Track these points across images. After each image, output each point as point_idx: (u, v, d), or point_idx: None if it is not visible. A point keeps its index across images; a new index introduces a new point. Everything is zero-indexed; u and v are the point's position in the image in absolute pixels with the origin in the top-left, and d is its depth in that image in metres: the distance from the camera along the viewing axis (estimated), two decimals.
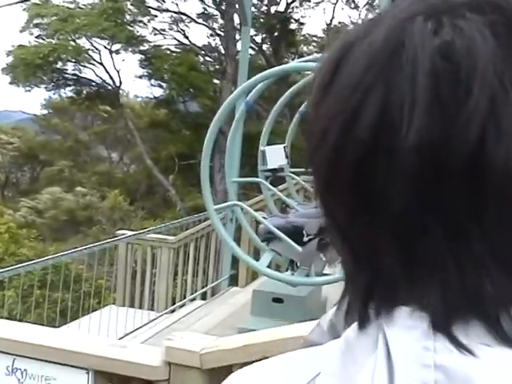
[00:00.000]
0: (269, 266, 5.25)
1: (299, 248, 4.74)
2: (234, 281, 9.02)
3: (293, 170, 6.79)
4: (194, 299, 8.75)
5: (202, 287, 8.96)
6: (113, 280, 9.31)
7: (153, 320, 7.81)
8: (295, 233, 4.81)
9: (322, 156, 0.59)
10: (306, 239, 4.72)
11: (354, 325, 0.60)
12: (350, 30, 0.63)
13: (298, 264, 4.89)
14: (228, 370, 2.22)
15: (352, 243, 0.60)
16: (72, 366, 2.27)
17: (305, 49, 26.92)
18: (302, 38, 26.40)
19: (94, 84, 22.92)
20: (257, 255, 8.21)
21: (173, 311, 8.32)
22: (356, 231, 0.59)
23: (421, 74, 0.55)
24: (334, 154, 0.58)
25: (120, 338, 7.07)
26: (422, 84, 0.54)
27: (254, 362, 2.01)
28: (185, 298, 8.73)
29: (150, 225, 17.88)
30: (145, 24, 22.71)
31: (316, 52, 25.01)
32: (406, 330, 0.56)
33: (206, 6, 23.73)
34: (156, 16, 23.32)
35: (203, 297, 8.96)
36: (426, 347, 0.54)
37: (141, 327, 7.56)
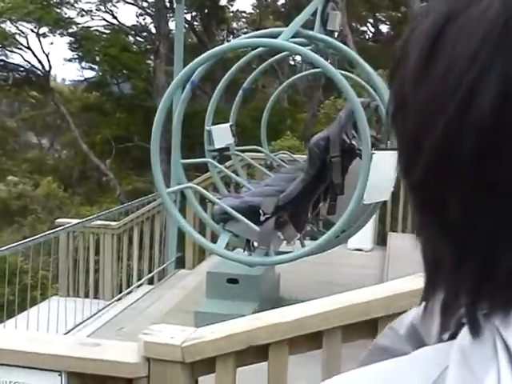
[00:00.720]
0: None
1: (256, 228, 4.67)
2: (180, 263, 8.91)
3: (238, 148, 6.70)
4: (140, 285, 8.59)
5: (149, 272, 8.81)
6: (55, 270, 9.07)
7: (102, 309, 7.65)
8: (251, 212, 4.73)
9: (429, 144, 0.52)
10: (262, 218, 4.66)
11: (465, 330, 0.53)
12: None
13: (256, 244, 4.82)
14: (211, 361, 2.14)
15: (460, 237, 0.53)
16: (43, 370, 2.14)
17: (235, 25, 26.82)
18: (232, 14, 26.26)
19: (22, 69, 22.23)
20: (202, 235, 8.15)
21: (120, 298, 8.16)
22: (471, 223, 0.52)
23: None
24: (447, 141, 0.51)
25: (70, 330, 6.91)
26: None
27: (238, 352, 1.92)
28: (132, 284, 8.57)
29: (88, 211, 17.59)
30: (72, 5, 22.10)
31: (246, 28, 24.97)
32: None
33: None
34: None
35: (150, 282, 8.82)
36: None
37: (91, 317, 7.39)
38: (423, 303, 0.60)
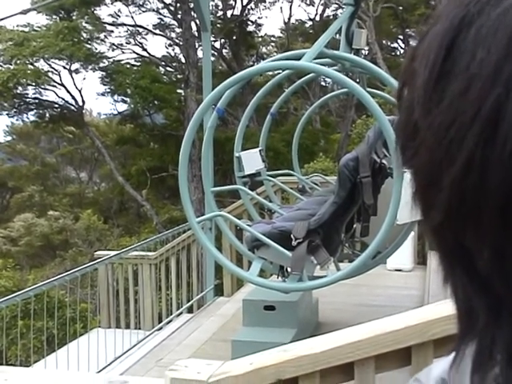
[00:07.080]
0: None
1: (289, 253, 4.60)
2: (219, 291, 8.87)
3: (269, 172, 6.65)
4: (180, 313, 8.58)
5: (188, 300, 8.80)
6: (96, 302, 9.12)
7: (142, 340, 7.63)
8: (283, 237, 4.66)
9: (447, 182, 0.44)
10: (294, 243, 4.58)
11: None
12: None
13: (289, 269, 4.74)
14: None
15: (493, 286, 0.44)
16: None
17: (264, 50, 26.99)
18: (260, 39, 26.44)
19: (56, 106, 22.65)
20: (239, 262, 8.11)
21: (160, 328, 8.15)
22: (505, 271, 0.43)
23: None
24: (468, 178, 0.43)
25: (109, 364, 6.89)
26: None
27: None
28: (171, 313, 8.56)
29: (127, 242, 17.73)
30: (102, 40, 22.53)
31: (275, 52, 25.09)
32: None
33: (161, 17, 23.64)
34: (112, 31, 23.17)
35: (189, 310, 8.80)
36: None
37: (130, 348, 7.37)
38: (452, 354, 0.51)
